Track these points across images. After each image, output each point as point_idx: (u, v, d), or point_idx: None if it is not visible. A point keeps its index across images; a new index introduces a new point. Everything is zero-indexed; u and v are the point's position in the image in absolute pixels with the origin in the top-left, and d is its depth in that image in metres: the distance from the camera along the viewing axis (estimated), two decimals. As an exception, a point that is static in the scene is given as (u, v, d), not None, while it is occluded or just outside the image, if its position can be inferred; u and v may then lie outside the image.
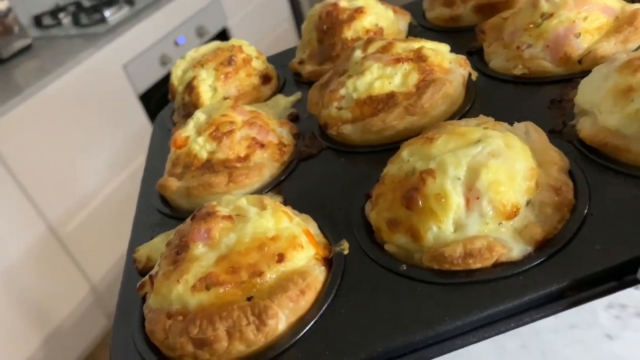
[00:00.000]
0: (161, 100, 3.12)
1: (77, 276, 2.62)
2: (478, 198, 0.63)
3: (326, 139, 0.98)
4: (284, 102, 1.17)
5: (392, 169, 0.72)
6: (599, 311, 0.76)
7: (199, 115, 1.00)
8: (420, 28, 1.25)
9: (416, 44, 0.94)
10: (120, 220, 2.80)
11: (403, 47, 0.93)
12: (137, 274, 0.83)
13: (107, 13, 2.88)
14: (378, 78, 0.90)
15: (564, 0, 0.91)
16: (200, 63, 1.20)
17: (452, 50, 1.05)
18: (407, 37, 1.21)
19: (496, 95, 0.92)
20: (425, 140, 0.71)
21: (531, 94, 0.89)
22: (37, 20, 3.10)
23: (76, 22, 2.97)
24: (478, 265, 0.61)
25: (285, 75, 1.30)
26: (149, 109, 2.97)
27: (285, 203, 0.86)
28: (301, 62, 1.25)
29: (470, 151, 0.66)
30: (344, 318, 0.63)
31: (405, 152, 0.72)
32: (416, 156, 0.70)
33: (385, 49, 0.93)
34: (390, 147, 0.88)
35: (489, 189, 0.63)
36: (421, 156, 0.69)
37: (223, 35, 3.47)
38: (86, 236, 2.65)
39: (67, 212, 2.57)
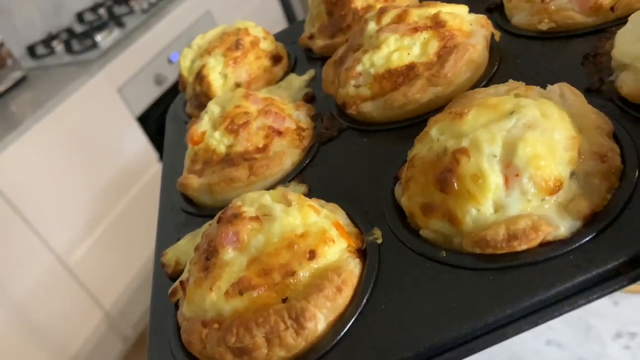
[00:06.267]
0: (160, 119, 3.02)
1: (89, 303, 2.60)
2: (517, 175, 0.59)
3: (346, 119, 0.93)
4: (297, 82, 1.12)
5: (422, 149, 0.68)
6: (607, 341, 0.68)
7: (213, 108, 0.96)
8: (433, -13, 1.18)
9: (432, 9, 0.88)
10: (127, 243, 2.79)
11: (419, 14, 0.87)
12: (166, 279, 0.81)
13: (98, 38, 2.80)
14: (395, 50, 0.85)
15: (590, -57, 0.84)
16: (207, 51, 1.16)
17: (470, 10, 0.99)
18: (420, 0, 1.15)
19: (523, 55, 0.86)
20: (454, 116, 0.66)
21: (561, 50, 0.83)
22: (31, 51, 3.02)
23: (69, 49, 2.89)
24: (524, 247, 0.57)
25: (295, 53, 1.24)
26: (148, 129, 2.92)
27: (309, 192, 0.83)
28: (311, 37, 1.19)
29: (504, 125, 0.62)
30: (385, 313, 0.60)
31: (433, 131, 0.67)
32: (446, 134, 0.66)
33: (400, 18, 0.88)
34: (414, 122, 0.84)
35: (529, 164, 0.58)
36: (452, 134, 0.65)
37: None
38: (94, 263, 2.62)
39: (72, 241, 2.54)
